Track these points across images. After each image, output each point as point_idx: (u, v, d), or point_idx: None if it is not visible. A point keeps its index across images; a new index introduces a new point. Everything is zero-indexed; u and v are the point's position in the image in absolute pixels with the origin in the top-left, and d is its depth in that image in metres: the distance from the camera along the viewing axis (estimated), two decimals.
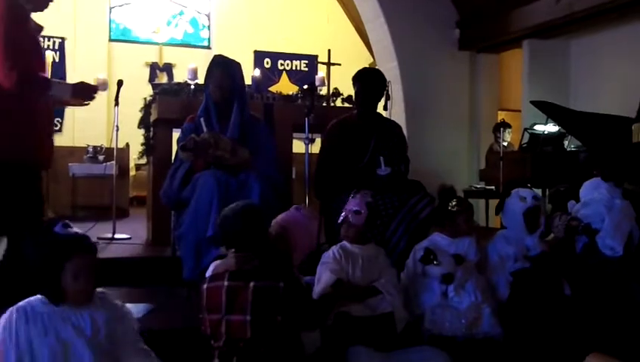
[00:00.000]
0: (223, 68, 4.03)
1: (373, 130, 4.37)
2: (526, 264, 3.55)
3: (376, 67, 7.01)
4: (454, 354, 3.01)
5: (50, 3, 3.54)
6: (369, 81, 4.39)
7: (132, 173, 8.72)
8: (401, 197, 4.07)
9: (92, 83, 3.87)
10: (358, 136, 4.34)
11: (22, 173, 3.37)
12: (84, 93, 3.78)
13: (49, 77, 3.64)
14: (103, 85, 3.93)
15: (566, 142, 6.96)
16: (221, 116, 4.01)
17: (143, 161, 6.11)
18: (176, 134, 4.97)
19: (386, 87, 4.52)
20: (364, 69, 4.60)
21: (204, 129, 3.85)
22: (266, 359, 2.52)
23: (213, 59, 4.08)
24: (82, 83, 3.78)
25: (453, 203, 3.66)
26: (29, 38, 3.39)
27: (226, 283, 2.60)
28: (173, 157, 4.22)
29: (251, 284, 2.56)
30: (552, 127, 6.88)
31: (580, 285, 3.60)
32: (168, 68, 9.81)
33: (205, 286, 2.66)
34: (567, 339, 3.22)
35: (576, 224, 3.78)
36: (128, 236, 5.30)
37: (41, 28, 3.57)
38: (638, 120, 4.86)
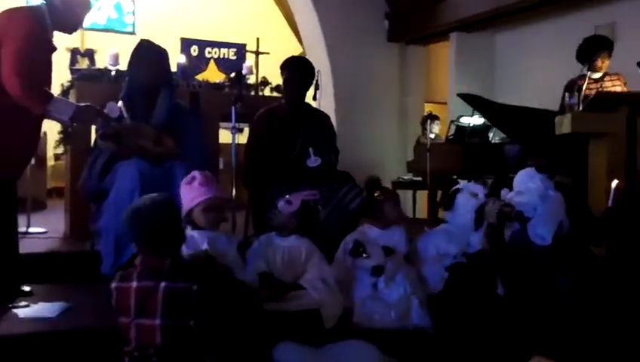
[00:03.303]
0: (151, 53, 3.86)
1: (303, 120, 4.29)
2: (462, 260, 3.54)
3: (306, 57, 6.91)
4: (384, 347, 2.96)
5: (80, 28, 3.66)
6: (297, 70, 4.30)
7: (50, 162, 8.35)
8: (331, 188, 4.00)
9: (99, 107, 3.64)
10: (287, 126, 4.24)
11: None
12: (87, 118, 3.64)
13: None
14: (115, 111, 3.61)
15: (491, 135, 7.05)
16: (146, 103, 3.83)
17: (61, 150, 5.83)
18: None
19: (314, 76, 4.43)
20: (293, 57, 4.51)
21: (125, 115, 3.67)
22: None
23: (139, 45, 3.90)
24: (88, 107, 3.57)
25: (379, 192, 3.66)
26: (42, 54, 3.38)
27: (134, 283, 2.42)
28: (92, 146, 4.01)
29: (162, 285, 2.39)
30: (477, 120, 6.97)
31: (510, 274, 3.62)
32: (90, 53, 9.41)
33: (114, 285, 2.49)
34: (497, 336, 3.23)
35: (509, 210, 3.79)
36: (44, 230, 5.02)
37: (55, 48, 3.52)
38: (561, 113, 4.93)
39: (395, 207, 3.69)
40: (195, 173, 3.16)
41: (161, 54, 3.88)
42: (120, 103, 3.70)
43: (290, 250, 3.25)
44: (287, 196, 3.37)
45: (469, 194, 3.73)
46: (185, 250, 2.83)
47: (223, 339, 2.46)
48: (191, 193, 3.12)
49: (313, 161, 4.12)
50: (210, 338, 2.41)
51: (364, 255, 3.36)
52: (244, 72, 5.37)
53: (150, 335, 2.37)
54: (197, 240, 3.03)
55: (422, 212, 7.95)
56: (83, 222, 4.60)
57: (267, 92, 5.62)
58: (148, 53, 3.85)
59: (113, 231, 3.46)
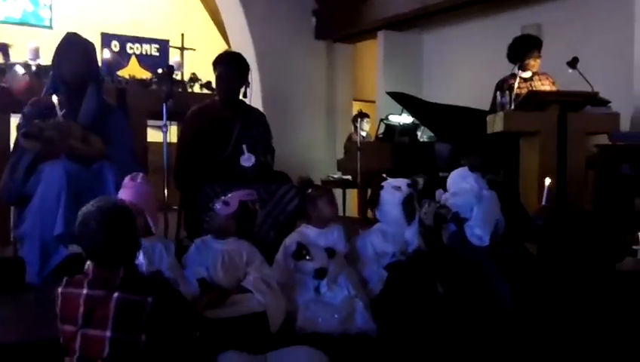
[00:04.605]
0: (79, 47, 3.65)
1: (237, 117, 4.16)
2: (402, 258, 3.49)
3: None
4: (329, 352, 2.87)
5: None
6: (231, 65, 4.15)
7: None
8: (268, 189, 3.89)
9: None
10: (220, 124, 4.10)
11: None
12: None
13: None
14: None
15: (419, 133, 7.09)
16: (72, 100, 3.61)
17: None
18: (14, 120, 4.48)
19: (248, 72, 4.29)
20: (226, 52, 4.38)
21: (59, 113, 3.44)
22: None
23: (66, 37, 3.68)
24: None
25: (311, 190, 3.59)
26: None
27: (85, 291, 2.26)
28: (12, 147, 3.75)
29: (115, 295, 2.23)
30: (406, 118, 6.99)
31: (449, 276, 3.60)
32: (4, 48, 8.97)
33: (60, 290, 2.31)
34: (439, 336, 3.20)
35: (445, 212, 3.77)
36: None
37: None
38: (492, 112, 4.99)
39: (329, 203, 3.61)
40: (127, 178, 3.04)
41: (89, 48, 3.68)
42: (54, 99, 3.47)
43: (229, 253, 3.11)
44: (224, 197, 3.24)
45: (391, 189, 3.70)
46: None
47: (169, 354, 2.31)
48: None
49: (247, 160, 3.98)
50: (159, 353, 2.26)
51: (308, 257, 3.26)
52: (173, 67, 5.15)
53: (97, 347, 2.21)
54: None
55: (352, 210, 7.93)
56: (3, 226, 4.35)
57: (197, 89, 5.44)
58: (75, 47, 3.64)
59: (38, 236, 3.24)
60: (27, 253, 3.31)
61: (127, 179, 3.04)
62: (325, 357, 2.75)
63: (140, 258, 2.82)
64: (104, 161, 3.48)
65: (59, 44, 3.65)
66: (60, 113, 3.43)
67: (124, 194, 2.98)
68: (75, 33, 3.69)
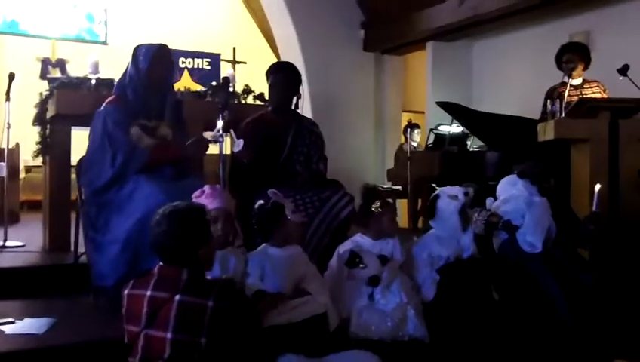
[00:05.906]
0: (170, 58, 3.92)
1: (290, 126, 4.24)
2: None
3: None
4: (382, 358, 2.91)
5: None
6: (284, 74, 4.26)
7: (22, 175, 8.17)
8: (322, 196, 3.96)
9: None
10: (274, 133, 4.19)
11: None
12: None
13: None
14: None
15: (469, 143, 7.09)
16: (159, 103, 3.86)
17: (35, 162, 5.69)
18: (75, 132, 4.65)
19: (300, 81, 4.37)
20: (279, 62, 4.47)
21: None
22: None
23: (161, 47, 3.86)
24: None
25: (377, 204, 3.58)
26: None
27: (149, 292, 2.35)
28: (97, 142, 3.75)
29: (176, 298, 2.30)
30: (456, 128, 7.00)
31: (501, 283, 3.60)
32: (61, 63, 9.26)
33: (126, 292, 2.42)
34: (491, 341, 3.21)
35: (496, 220, 3.77)
36: (22, 243, 4.89)
37: None
38: (542, 120, 4.97)
39: (392, 219, 3.63)
40: (205, 187, 3.13)
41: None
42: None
43: (289, 260, 3.16)
44: (293, 207, 3.29)
45: (448, 198, 3.71)
46: None
47: (229, 357, 2.39)
48: None
49: (237, 146, 3.95)
50: (219, 356, 2.34)
51: (361, 265, 3.30)
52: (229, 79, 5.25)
53: (159, 347, 2.29)
54: None
55: (401, 221, 7.92)
56: (62, 235, 4.52)
57: (250, 100, 5.53)
58: (168, 57, 3.90)
59: (133, 245, 3.33)
60: (113, 257, 3.37)
61: (207, 189, 3.12)
62: (380, 361, 2.79)
63: (215, 267, 2.90)
64: (194, 178, 3.69)
65: (151, 52, 3.79)
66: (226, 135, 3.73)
67: (215, 202, 3.06)
68: (166, 45, 3.91)
